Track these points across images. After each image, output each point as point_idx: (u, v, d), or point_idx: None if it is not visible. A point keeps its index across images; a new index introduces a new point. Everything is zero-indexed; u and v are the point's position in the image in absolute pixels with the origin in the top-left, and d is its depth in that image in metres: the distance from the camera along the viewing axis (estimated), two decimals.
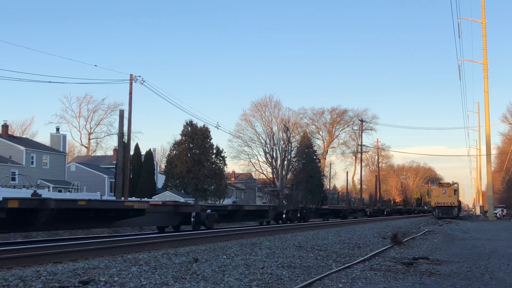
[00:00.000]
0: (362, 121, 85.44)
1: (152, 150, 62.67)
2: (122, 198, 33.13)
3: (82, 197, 29.43)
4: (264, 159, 73.77)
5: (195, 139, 56.92)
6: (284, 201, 65.52)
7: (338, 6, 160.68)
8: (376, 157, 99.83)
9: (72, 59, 68.03)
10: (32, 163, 55.66)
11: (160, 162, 78.09)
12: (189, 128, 57.45)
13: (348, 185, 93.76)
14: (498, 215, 61.51)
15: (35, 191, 20.02)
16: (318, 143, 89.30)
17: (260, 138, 73.39)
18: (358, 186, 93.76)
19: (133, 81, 36.90)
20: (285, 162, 72.19)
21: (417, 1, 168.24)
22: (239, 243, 15.28)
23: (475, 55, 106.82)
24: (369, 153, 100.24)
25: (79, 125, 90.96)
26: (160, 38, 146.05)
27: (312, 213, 37.65)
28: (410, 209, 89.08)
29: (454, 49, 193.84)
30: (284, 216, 30.75)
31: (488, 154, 54.56)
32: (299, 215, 33.05)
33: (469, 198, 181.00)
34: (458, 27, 79.56)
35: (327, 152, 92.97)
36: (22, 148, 55.27)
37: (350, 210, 49.66)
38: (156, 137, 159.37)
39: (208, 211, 21.87)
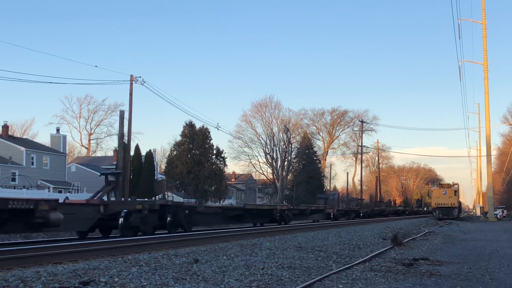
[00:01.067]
0: (362, 122, 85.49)
1: (152, 150, 62.66)
2: (123, 199, 33.07)
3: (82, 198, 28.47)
4: (264, 160, 73.88)
5: (195, 139, 56.93)
6: (284, 202, 65.56)
7: (338, 6, 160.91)
8: (377, 158, 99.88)
9: (72, 59, 68.39)
10: (32, 163, 55.69)
11: (160, 163, 78.12)
12: (189, 128, 57.47)
13: (349, 186, 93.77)
14: (498, 216, 61.47)
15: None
16: (319, 144, 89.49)
17: (260, 138, 73.50)
18: (359, 187, 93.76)
19: (133, 81, 36.88)
20: (285, 163, 72.21)
21: (417, 1, 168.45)
22: (240, 244, 15.28)
23: (475, 56, 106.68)
24: (369, 154, 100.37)
25: (79, 126, 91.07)
26: (160, 38, 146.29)
27: (204, 216, 22.94)
28: (398, 211, 78.37)
29: (454, 49, 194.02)
30: (121, 221, 17.88)
31: (489, 155, 54.55)
32: (169, 219, 20.03)
33: (469, 199, 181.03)
34: (459, 27, 79.48)
35: (327, 153, 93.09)
36: (22, 148, 55.31)
37: (295, 211, 34.20)
38: (156, 137, 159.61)
39: None
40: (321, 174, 78.75)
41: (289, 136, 72.50)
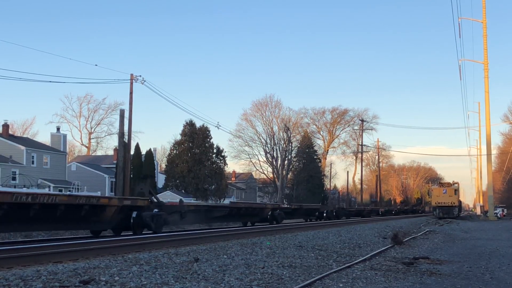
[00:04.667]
0: (362, 121, 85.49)
1: (152, 149, 62.68)
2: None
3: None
4: (265, 159, 73.87)
5: (195, 138, 56.95)
6: (284, 201, 65.58)
7: (338, 5, 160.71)
8: (377, 157, 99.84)
9: (72, 59, 68.02)
10: (32, 162, 55.65)
11: (161, 162, 78.12)
12: (189, 127, 57.47)
13: (349, 185, 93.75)
14: (498, 215, 61.43)
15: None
16: (319, 143, 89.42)
17: (261, 137, 73.50)
18: (359, 186, 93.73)
19: (133, 80, 36.90)
20: (286, 161, 72.20)
21: (418, 0, 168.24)
22: (240, 243, 15.28)
23: (476, 55, 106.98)
24: (369, 153, 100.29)
25: (79, 125, 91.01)
26: (160, 38, 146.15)
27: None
28: (388, 210, 67.01)
29: (454, 48, 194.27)
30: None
31: (489, 154, 54.54)
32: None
33: (469, 198, 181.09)
34: (459, 26, 79.39)
35: (327, 152, 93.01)
36: (23, 147, 55.28)
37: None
38: (157, 136, 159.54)
39: None
40: (321, 173, 78.71)
41: (289, 135, 72.52)
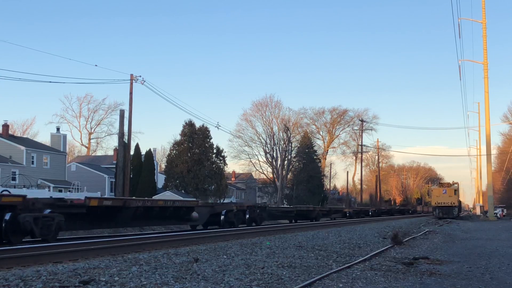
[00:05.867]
0: (362, 121, 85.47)
1: (152, 150, 62.67)
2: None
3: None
4: (265, 159, 73.89)
5: (195, 139, 56.96)
6: (284, 201, 65.55)
7: (338, 5, 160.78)
8: (377, 157, 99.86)
9: (72, 59, 67.97)
10: (32, 163, 55.64)
11: (160, 162, 78.11)
12: (189, 128, 57.48)
13: (349, 185, 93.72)
14: (498, 215, 61.41)
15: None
16: (319, 143, 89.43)
17: (261, 138, 73.52)
18: (359, 186, 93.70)
19: (133, 81, 36.91)
20: (286, 162, 72.20)
21: (418, 0, 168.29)
22: (240, 243, 15.29)
23: (476, 55, 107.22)
24: (369, 153, 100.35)
25: (79, 125, 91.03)
26: (160, 38, 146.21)
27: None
28: (361, 211, 56.93)
29: (454, 49, 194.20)
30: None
31: (489, 154, 54.53)
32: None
33: (469, 198, 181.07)
34: (459, 27, 79.68)
35: (327, 152, 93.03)
36: (23, 148, 55.27)
37: None
38: (156, 137, 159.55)
39: None
40: (321, 173, 78.72)
41: (289, 135, 72.53)
